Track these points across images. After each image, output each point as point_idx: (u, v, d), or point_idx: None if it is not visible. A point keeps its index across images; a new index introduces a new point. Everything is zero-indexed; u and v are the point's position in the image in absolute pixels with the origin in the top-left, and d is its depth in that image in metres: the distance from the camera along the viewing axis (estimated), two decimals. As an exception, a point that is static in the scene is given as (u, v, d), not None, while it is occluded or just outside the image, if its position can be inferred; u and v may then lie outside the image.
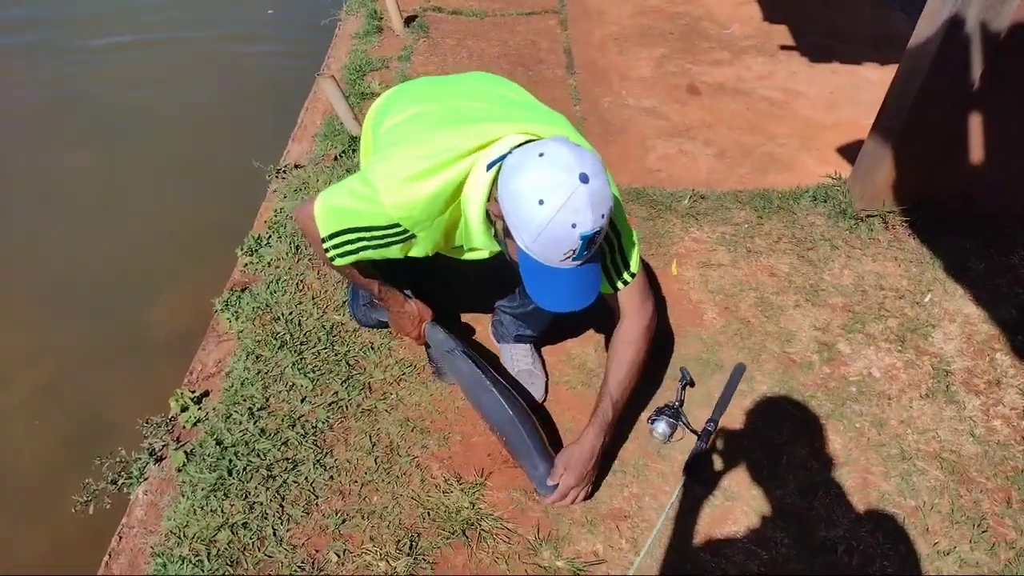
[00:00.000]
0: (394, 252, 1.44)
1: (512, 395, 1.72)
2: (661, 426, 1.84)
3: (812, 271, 2.37)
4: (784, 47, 3.90)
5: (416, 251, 1.46)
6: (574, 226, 1.14)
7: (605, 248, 1.44)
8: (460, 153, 1.30)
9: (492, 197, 1.28)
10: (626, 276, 1.50)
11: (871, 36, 3.97)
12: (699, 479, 1.76)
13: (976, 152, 2.35)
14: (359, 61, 3.65)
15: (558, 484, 1.62)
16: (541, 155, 1.16)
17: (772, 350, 2.08)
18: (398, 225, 1.35)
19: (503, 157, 1.24)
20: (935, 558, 1.60)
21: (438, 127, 1.41)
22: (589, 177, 1.13)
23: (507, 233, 1.25)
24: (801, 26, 4.09)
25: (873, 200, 2.55)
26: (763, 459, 1.81)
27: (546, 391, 1.97)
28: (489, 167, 1.27)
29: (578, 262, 1.22)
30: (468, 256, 1.55)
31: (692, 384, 1.97)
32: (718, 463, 1.80)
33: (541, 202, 1.13)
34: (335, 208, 1.40)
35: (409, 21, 4.08)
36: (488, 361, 1.81)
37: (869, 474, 1.78)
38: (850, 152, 2.92)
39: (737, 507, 1.71)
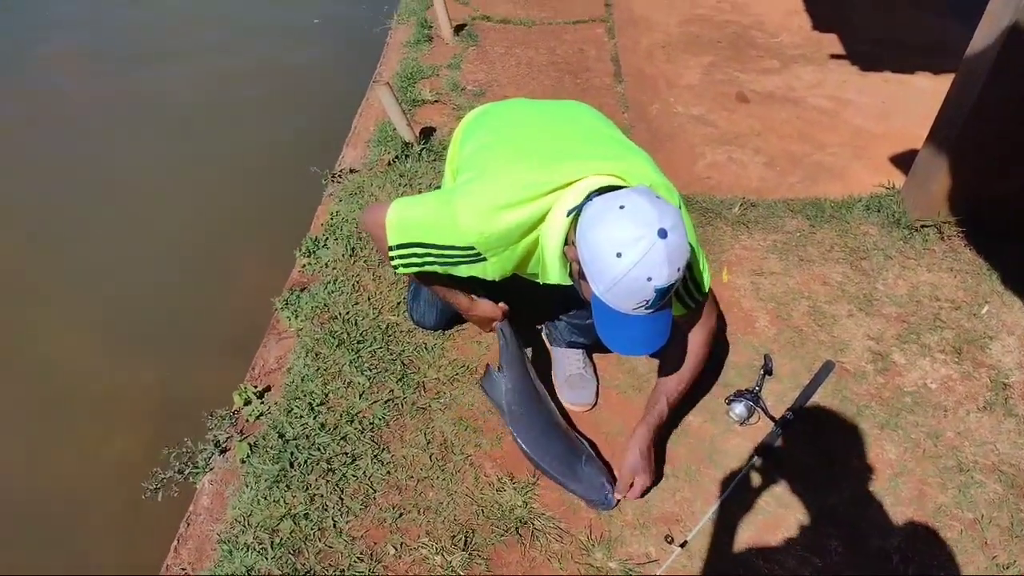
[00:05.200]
0: (460, 271, 1.49)
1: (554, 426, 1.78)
2: (739, 408, 1.89)
3: (865, 280, 2.35)
4: (834, 56, 3.88)
5: (482, 273, 1.49)
6: (649, 279, 1.16)
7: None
8: (544, 190, 1.34)
9: (569, 241, 1.31)
10: (698, 297, 1.52)
11: (922, 45, 3.92)
12: (769, 461, 1.80)
13: (1035, 163, 2.32)
14: (410, 69, 3.72)
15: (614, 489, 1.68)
16: (622, 207, 1.17)
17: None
18: (472, 248, 1.40)
19: (583, 204, 1.26)
20: (994, 571, 1.58)
21: (525, 158, 1.45)
22: (668, 232, 1.14)
23: (582, 276, 1.28)
24: (851, 35, 4.05)
25: (928, 210, 2.52)
26: (816, 467, 1.80)
27: (597, 396, 1.99)
28: (569, 213, 1.30)
29: (650, 311, 1.24)
30: (545, 281, 1.57)
31: (771, 373, 2.01)
32: (775, 467, 1.80)
33: (619, 255, 1.15)
34: (410, 220, 1.45)
35: (458, 30, 4.14)
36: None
37: (925, 485, 1.77)
38: (903, 162, 2.89)
39: (790, 513, 1.71)
